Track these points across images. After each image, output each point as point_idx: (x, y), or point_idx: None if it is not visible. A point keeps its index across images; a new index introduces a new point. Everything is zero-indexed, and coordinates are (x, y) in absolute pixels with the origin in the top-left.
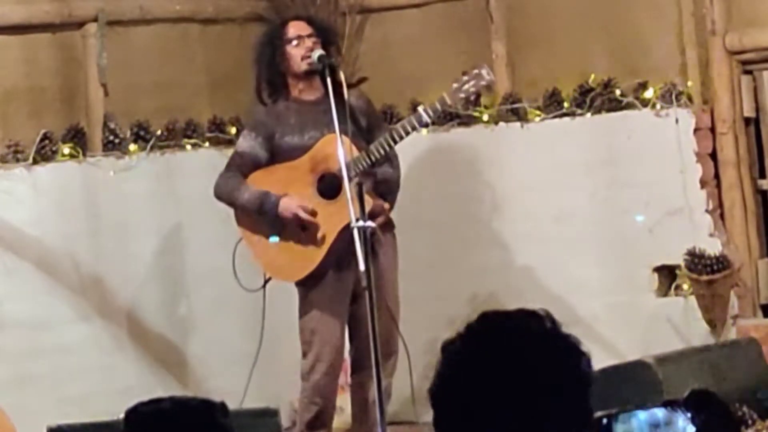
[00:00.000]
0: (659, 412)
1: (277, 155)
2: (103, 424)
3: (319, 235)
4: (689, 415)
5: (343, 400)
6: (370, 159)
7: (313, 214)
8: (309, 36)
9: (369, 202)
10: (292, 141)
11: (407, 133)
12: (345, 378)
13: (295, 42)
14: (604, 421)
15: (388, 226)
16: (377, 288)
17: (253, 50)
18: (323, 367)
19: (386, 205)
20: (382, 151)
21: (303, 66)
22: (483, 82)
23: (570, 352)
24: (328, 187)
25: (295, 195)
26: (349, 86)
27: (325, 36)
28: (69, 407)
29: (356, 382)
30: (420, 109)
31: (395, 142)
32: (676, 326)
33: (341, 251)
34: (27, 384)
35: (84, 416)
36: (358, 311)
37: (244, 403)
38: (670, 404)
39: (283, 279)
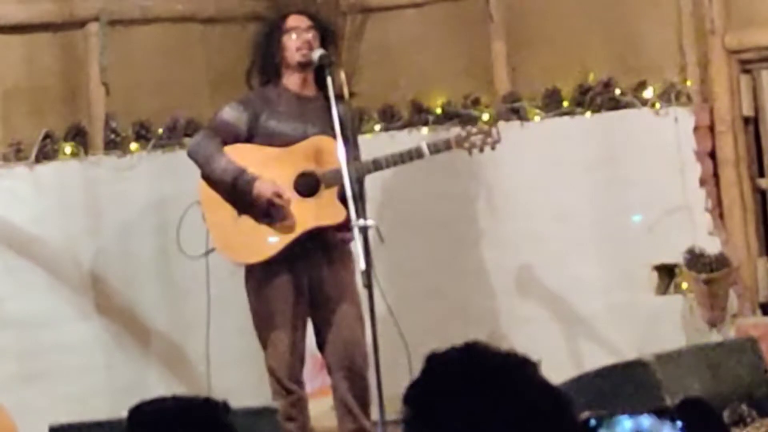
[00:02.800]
0: (645, 420)
1: (256, 136)
2: (105, 423)
3: (284, 225)
4: (680, 424)
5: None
6: (351, 175)
7: (287, 200)
8: (308, 29)
9: (340, 212)
10: (277, 127)
11: (402, 163)
12: (325, 380)
13: (293, 34)
14: (592, 422)
15: (343, 243)
16: (338, 298)
17: (252, 39)
18: (284, 366)
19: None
20: (365, 173)
21: (297, 57)
22: (489, 141)
23: (556, 395)
24: (305, 185)
25: (273, 179)
26: (340, 96)
27: (325, 32)
28: (70, 405)
29: (334, 386)
30: (422, 144)
31: (381, 168)
32: (675, 325)
33: (298, 252)
34: (28, 382)
35: (85, 415)
36: (327, 318)
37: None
38: (659, 412)
39: (232, 258)
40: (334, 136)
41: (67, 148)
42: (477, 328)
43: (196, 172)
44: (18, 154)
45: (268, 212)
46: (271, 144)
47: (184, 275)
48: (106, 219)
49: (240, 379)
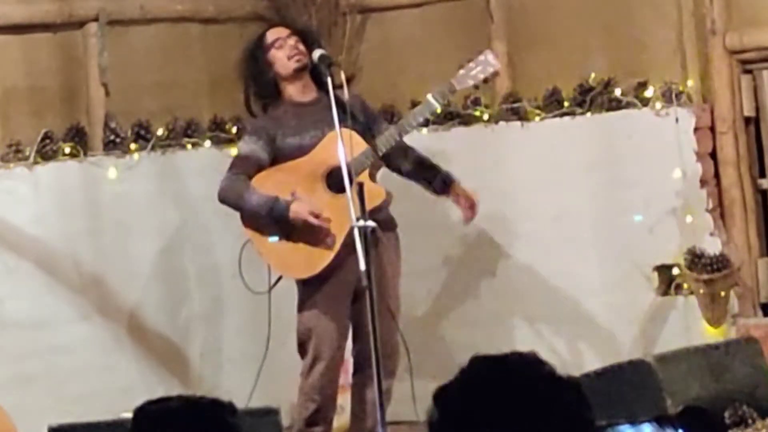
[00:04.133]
0: (647, 428)
1: (279, 158)
2: (104, 424)
3: (331, 230)
4: (681, 431)
5: (344, 400)
6: (381, 149)
7: (326, 218)
8: (288, 36)
9: (379, 193)
10: (294, 142)
11: (418, 123)
12: (346, 377)
13: (276, 45)
14: (591, 421)
15: (390, 224)
16: (378, 287)
17: (238, 67)
18: (322, 365)
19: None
20: (393, 142)
21: (291, 65)
22: (490, 68)
23: (574, 399)
24: (337, 180)
25: (304, 195)
26: (337, 86)
27: (305, 36)
28: (70, 407)
29: (357, 383)
30: (429, 96)
31: (406, 132)
32: (676, 325)
33: (348, 247)
34: (28, 383)
35: (85, 416)
36: (361, 311)
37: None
38: (661, 420)
39: (297, 276)
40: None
41: (67, 149)
42: (477, 328)
43: (197, 171)
44: (17, 154)
45: (311, 227)
46: (294, 159)
47: (184, 276)
48: (105, 219)
49: (240, 380)
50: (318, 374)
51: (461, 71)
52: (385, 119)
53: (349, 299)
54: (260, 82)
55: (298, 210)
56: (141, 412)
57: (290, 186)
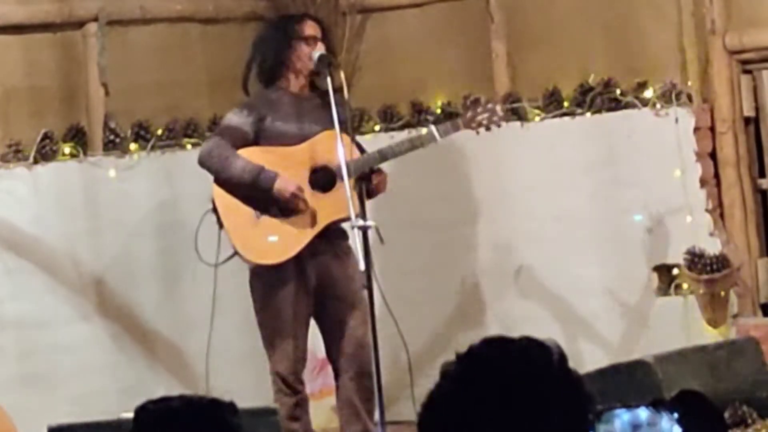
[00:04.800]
0: (643, 413)
1: (262, 139)
2: (104, 424)
3: (305, 221)
4: (676, 415)
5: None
6: (357, 169)
7: (305, 198)
8: (321, 39)
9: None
10: (283, 128)
11: (414, 149)
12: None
13: (310, 41)
14: (589, 416)
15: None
16: (347, 296)
17: (259, 35)
18: (289, 365)
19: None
20: (369, 164)
21: (310, 65)
22: (495, 119)
23: (573, 390)
24: (320, 180)
25: (289, 177)
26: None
27: (328, 42)
28: (69, 407)
29: (340, 386)
30: (432, 128)
31: (400, 153)
32: (675, 326)
33: (307, 250)
34: (27, 383)
35: (84, 416)
36: (333, 314)
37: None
38: (657, 404)
39: (255, 260)
40: (346, 131)
41: (66, 149)
42: (477, 328)
43: (197, 172)
44: (17, 154)
45: (288, 210)
46: (280, 144)
47: (184, 276)
48: (105, 219)
49: (240, 380)
50: (284, 372)
51: (469, 113)
52: (383, 121)
53: (311, 298)
54: (272, 59)
55: (284, 184)
56: (142, 411)
57: (276, 169)
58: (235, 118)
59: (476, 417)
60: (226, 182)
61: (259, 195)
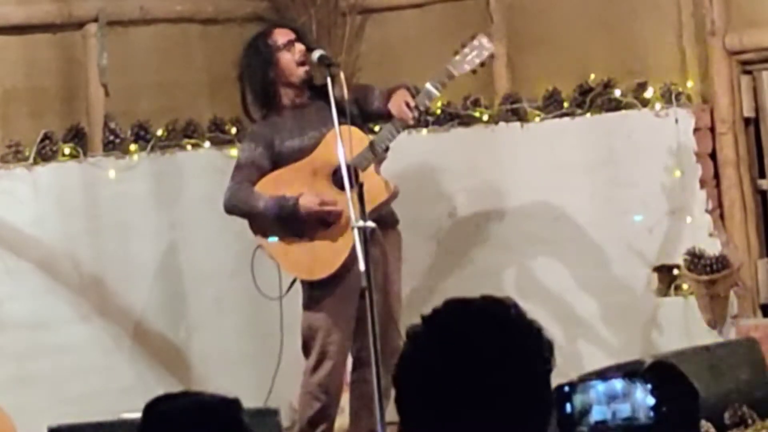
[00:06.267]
0: (618, 384)
1: (279, 162)
2: (104, 424)
3: (343, 226)
4: (649, 386)
5: (344, 400)
6: (381, 146)
7: (333, 203)
8: (296, 41)
9: (380, 191)
10: (294, 144)
11: (420, 112)
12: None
13: (286, 48)
14: (566, 388)
15: (391, 221)
16: (383, 286)
17: (240, 65)
18: (329, 365)
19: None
20: (390, 138)
21: (300, 74)
22: (485, 52)
23: (531, 337)
24: (342, 178)
25: (310, 191)
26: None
27: (306, 41)
28: (69, 407)
29: (355, 380)
30: (428, 85)
31: (405, 126)
32: (675, 326)
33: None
34: (27, 384)
35: (84, 416)
36: (362, 309)
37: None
38: (630, 376)
39: (313, 277)
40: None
41: (66, 149)
42: None
43: (197, 172)
44: (17, 155)
45: (323, 222)
46: (295, 161)
47: (184, 276)
48: (105, 220)
49: (240, 380)
50: (324, 373)
51: (456, 57)
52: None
53: (357, 297)
54: (261, 83)
55: (308, 202)
56: (150, 410)
57: (296, 187)
58: (244, 154)
59: (443, 371)
60: (257, 222)
61: (290, 223)
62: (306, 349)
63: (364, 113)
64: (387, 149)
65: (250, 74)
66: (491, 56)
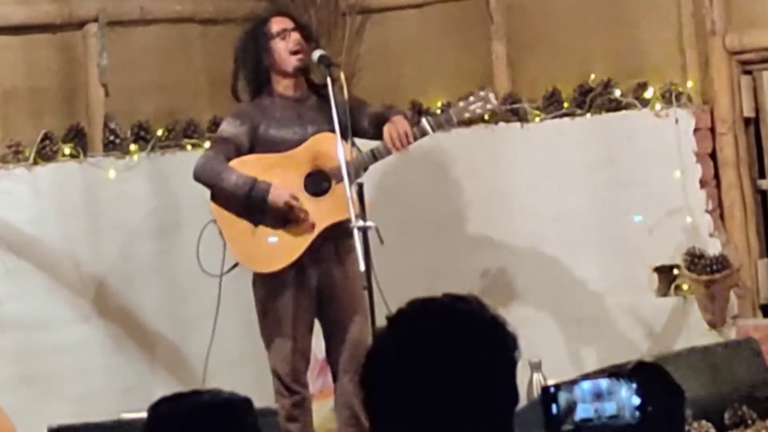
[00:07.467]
0: (603, 383)
1: (258, 146)
2: (104, 424)
3: (303, 228)
4: (634, 385)
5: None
6: (368, 162)
7: (301, 206)
8: (293, 30)
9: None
10: (277, 134)
11: (409, 144)
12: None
13: (280, 36)
14: (551, 389)
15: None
16: (347, 298)
17: (236, 48)
18: (287, 366)
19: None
20: (378, 158)
21: (293, 62)
22: (489, 106)
23: (495, 331)
24: (315, 184)
25: (282, 185)
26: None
27: (308, 32)
28: (69, 407)
29: (338, 387)
30: (423, 121)
31: (382, 158)
32: (675, 326)
33: (312, 253)
34: (27, 384)
35: (84, 416)
36: (333, 316)
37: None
38: (615, 374)
39: (256, 269)
40: (338, 131)
41: (66, 150)
42: None
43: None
44: (17, 155)
45: (285, 218)
46: (274, 151)
47: (184, 276)
48: (105, 220)
49: (240, 380)
50: (284, 374)
51: (461, 103)
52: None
53: (313, 301)
54: (254, 69)
55: (277, 193)
56: (155, 410)
57: (269, 176)
58: (228, 128)
59: (408, 370)
60: (221, 196)
61: (254, 206)
62: (267, 351)
63: (352, 128)
64: (366, 169)
65: (244, 59)
66: (493, 112)
